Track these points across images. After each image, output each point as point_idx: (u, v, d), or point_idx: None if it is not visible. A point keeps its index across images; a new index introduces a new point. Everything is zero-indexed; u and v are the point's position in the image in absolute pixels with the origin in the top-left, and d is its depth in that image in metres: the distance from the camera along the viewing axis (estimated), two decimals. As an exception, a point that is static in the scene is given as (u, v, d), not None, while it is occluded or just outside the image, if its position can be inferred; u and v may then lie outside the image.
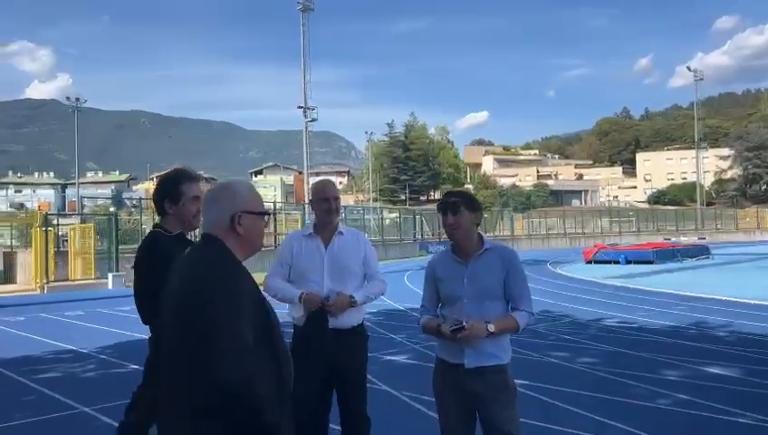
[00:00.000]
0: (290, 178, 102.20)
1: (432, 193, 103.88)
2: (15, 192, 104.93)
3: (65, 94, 58.74)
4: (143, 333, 3.03)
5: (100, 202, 48.87)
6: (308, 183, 42.08)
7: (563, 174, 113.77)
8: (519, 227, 53.02)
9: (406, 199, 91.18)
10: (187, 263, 1.92)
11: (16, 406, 5.72)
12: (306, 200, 42.48)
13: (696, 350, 7.68)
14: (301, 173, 56.41)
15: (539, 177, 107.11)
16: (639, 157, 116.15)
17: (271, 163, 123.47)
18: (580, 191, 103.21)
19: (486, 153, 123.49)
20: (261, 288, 2.06)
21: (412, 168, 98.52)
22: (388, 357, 7.56)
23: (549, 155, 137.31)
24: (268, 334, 1.86)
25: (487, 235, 47.82)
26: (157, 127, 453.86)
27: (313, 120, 40.66)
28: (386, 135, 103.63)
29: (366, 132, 75.67)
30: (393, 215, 45.98)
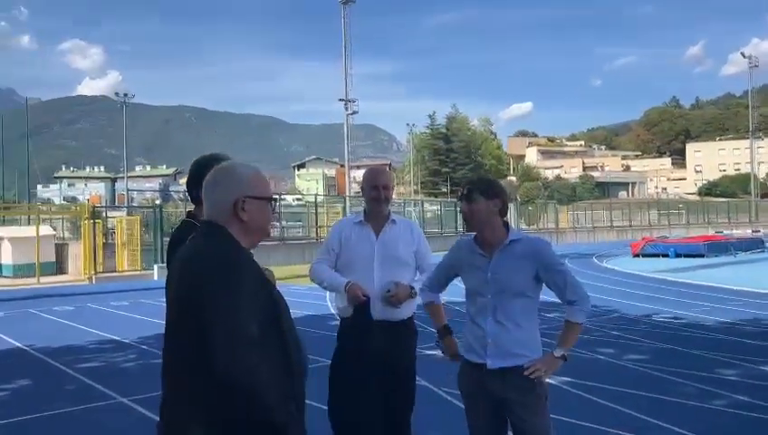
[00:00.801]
0: (332, 172, 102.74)
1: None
2: (68, 186, 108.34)
3: (115, 91, 60.20)
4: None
5: (147, 195, 50.13)
6: (349, 176, 42.09)
7: (610, 165, 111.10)
8: (563, 219, 51.99)
9: (447, 192, 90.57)
10: (187, 254, 1.79)
11: (58, 394, 5.80)
12: (347, 193, 42.60)
13: (754, 348, 7.29)
14: (342, 166, 56.66)
15: (584, 168, 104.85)
16: (690, 147, 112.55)
17: (313, 157, 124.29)
18: (628, 183, 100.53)
19: (530, 144, 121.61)
20: (269, 276, 1.93)
21: (454, 160, 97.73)
22: (428, 351, 7.42)
23: (595, 146, 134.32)
24: (275, 326, 1.73)
25: (531, 227, 47.31)
26: (202, 121, 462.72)
27: (354, 112, 40.63)
28: (427, 127, 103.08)
29: (407, 125, 75.12)
30: (434, 207, 45.68)
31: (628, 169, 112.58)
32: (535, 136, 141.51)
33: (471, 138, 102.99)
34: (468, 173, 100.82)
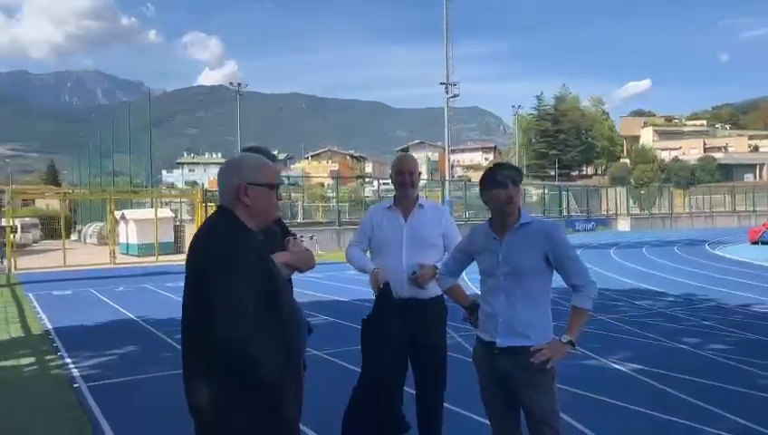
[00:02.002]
0: (435, 156, 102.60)
1: (584, 168, 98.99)
2: (189, 171, 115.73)
3: (232, 80, 63.45)
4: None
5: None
6: (448, 160, 41.97)
7: (735, 146, 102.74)
8: (679, 204, 49.03)
9: (555, 175, 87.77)
10: (198, 233, 2.06)
11: (154, 361, 6.45)
12: (447, 177, 42.54)
13: None
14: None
15: (705, 149, 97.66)
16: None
17: (416, 141, 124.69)
18: (755, 165, 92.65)
19: (645, 124, 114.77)
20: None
21: (562, 141, 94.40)
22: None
23: (719, 125, 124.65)
24: (272, 300, 1.96)
25: (644, 212, 45.00)
26: (312, 108, 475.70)
27: (455, 96, 40.29)
28: (535, 108, 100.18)
29: (512, 106, 73.34)
30: (539, 191, 44.60)
31: (756, 149, 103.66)
32: (652, 115, 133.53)
33: (581, 119, 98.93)
34: (578, 156, 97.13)
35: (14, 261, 18.71)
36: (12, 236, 20.39)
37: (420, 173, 3.70)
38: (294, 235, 3.30)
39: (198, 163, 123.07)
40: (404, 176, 3.55)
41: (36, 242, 33.07)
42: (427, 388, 3.55)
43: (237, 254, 1.93)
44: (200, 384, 1.95)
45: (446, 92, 40.48)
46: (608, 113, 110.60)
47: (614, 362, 6.04)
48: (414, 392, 3.60)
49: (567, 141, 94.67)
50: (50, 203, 42.59)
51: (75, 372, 6.01)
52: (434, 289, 3.50)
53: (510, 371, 2.71)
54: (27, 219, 34.50)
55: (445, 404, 3.62)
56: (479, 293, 2.94)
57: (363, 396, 3.45)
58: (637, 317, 8.52)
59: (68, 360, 6.55)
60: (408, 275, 3.42)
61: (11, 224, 20.55)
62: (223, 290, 1.87)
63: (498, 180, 2.73)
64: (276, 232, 3.17)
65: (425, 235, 3.53)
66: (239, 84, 59.00)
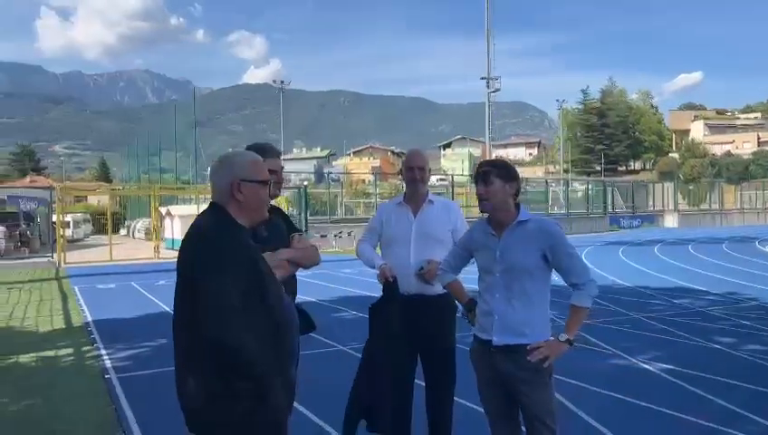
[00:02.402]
0: (478, 151, 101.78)
1: (632, 163, 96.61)
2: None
3: (276, 78, 64.36)
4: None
5: (303, 176, 53.04)
6: (490, 155, 41.55)
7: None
8: (729, 199, 47.39)
9: (601, 170, 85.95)
10: (190, 229, 2.10)
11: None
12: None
13: None
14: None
15: (760, 143, 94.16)
16: None
17: (459, 136, 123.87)
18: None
19: (696, 118, 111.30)
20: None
21: (609, 136, 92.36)
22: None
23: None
24: (259, 294, 1.99)
25: (692, 209, 43.65)
26: (354, 105, 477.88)
27: (496, 90, 39.91)
28: (580, 103, 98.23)
29: (556, 101, 72.00)
30: (583, 187, 43.72)
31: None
32: (703, 109, 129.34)
33: (628, 112, 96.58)
34: (625, 150, 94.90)
35: (64, 255, 19.43)
36: (62, 231, 21.18)
37: (430, 169, 3.68)
38: (301, 231, 3.33)
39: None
40: (414, 172, 3.54)
41: (87, 237, 34.23)
42: (435, 384, 3.54)
43: (224, 251, 1.96)
44: (189, 378, 2.00)
45: (488, 87, 40.16)
46: (656, 107, 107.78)
47: (643, 362, 5.90)
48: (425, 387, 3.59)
49: (613, 136, 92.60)
50: (101, 199, 44.01)
51: (108, 363, 6.22)
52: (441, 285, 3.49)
53: (507, 369, 2.67)
54: (79, 215, 35.74)
55: (456, 399, 3.60)
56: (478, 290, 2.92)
57: (364, 382, 3.45)
58: (673, 316, 8.29)
59: (103, 351, 6.78)
60: (416, 271, 3.41)
61: (61, 220, 21.33)
62: (210, 286, 1.91)
63: (478, 176, 2.72)
64: (282, 228, 3.21)
65: (433, 231, 3.52)
66: (282, 82, 59.68)
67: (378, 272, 3.49)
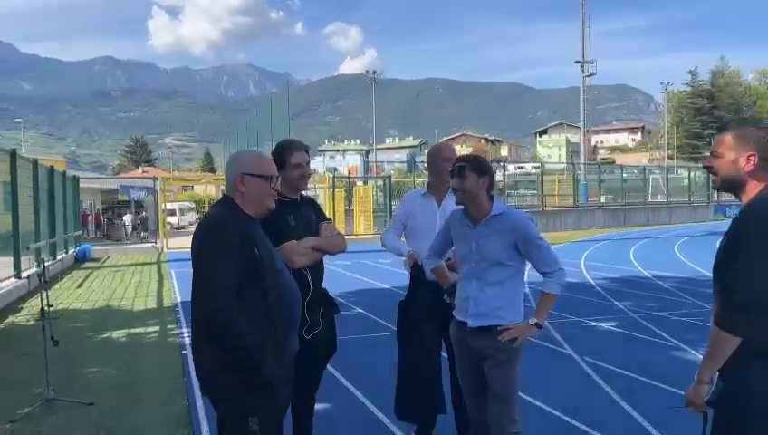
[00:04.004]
0: (576, 137, 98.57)
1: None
2: (330, 158, 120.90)
3: (372, 68, 65.28)
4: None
5: (396, 165, 53.59)
6: (584, 142, 40.25)
7: None
8: None
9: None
10: (201, 218, 2.40)
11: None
12: (583, 160, 40.84)
13: None
14: (587, 131, 54.04)
15: None
16: None
17: (555, 122, 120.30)
18: None
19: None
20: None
21: (719, 120, 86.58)
22: (596, 323, 7.32)
23: None
24: (256, 278, 2.24)
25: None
26: (449, 93, 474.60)
27: (592, 74, 38.53)
28: (688, 85, 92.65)
29: (661, 83, 68.24)
30: (685, 174, 41.44)
31: None
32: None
33: (743, 94, 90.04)
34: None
35: (167, 241, 20.92)
36: (165, 218, 22.80)
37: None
38: (329, 219, 3.59)
39: (338, 150, 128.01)
40: (440, 163, 3.70)
41: (192, 224, 36.49)
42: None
43: (223, 235, 2.23)
44: (198, 350, 2.31)
45: (582, 71, 38.87)
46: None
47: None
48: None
49: (724, 119, 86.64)
50: (207, 188, 46.64)
51: (187, 340, 6.79)
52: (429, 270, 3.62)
53: (480, 348, 2.89)
54: (185, 204, 38.15)
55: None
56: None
57: (407, 376, 3.69)
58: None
59: (184, 330, 7.39)
60: (420, 260, 3.54)
61: (164, 208, 22.94)
62: (207, 266, 2.19)
63: (453, 170, 2.90)
64: (311, 217, 3.46)
65: None
66: (374, 72, 60.49)
67: (405, 259, 3.68)
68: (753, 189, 2.12)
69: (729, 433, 2.01)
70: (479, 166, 2.87)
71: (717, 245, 2.12)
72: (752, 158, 2.10)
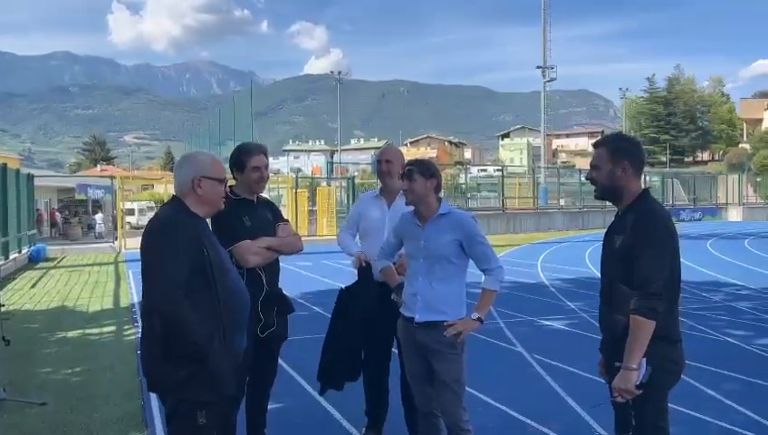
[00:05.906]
0: (538, 141, 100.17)
1: (699, 154, 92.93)
2: (294, 158, 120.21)
3: (337, 68, 65.27)
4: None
5: (361, 166, 53.63)
6: (545, 145, 41.00)
7: None
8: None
9: (666, 161, 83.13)
10: (150, 219, 2.47)
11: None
12: (543, 163, 41.61)
13: None
14: (549, 136, 54.88)
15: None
16: None
17: (518, 126, 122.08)
18: None
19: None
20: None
21: (675, 126, 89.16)
22: (547, 322, 7.55)
23: None
24: (203, 275, 2.32)
25: (759, 201, 41.69)
26: (414, 95, 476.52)
27: (552, 79, 39.34)
28: (645, 91, 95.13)
29: (620, 89, 69.95)
30: (645, 178, 42.44)
31: None
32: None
33: (697, 101, 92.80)
34: (694, 141, 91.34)
35: (124, 241, 20.59)
36: (123, 218, 22.42)
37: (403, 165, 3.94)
38: (286, 220, 3.68)
39: (302, 150, 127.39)
40: (382, 165, 3.82)
41: (151, 224, 35.90)
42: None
43: (171, 236, 2.31)
44: (145, 345, 2.38)
45: (543, 76, 39.60)
46: (728, 95, 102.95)
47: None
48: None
49: (680, 126, 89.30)
50: (168, 187, 45.95)
51: (143, 340, 6.78)
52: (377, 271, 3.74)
53: (426, 342, 3.05)
54: (144, 203, 37.47)
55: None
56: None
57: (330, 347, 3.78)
58: (695, 310, 8.26)
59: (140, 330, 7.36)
60: (365, 260, 3.67)
61: (122, 208, 22.56)
62: (156, 262, 2.28)
63: (403, 174, 3.09)
64: (268, 218, 3.55)
65: None
66: (339, 73, 60.50)
67: (353, 259, 3.80)
68: (629, 196, 2.45)
69: (633, 404, 2.37)
70: (427, 169, 3.05)
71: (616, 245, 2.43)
72: (626, 168, 2.43)
